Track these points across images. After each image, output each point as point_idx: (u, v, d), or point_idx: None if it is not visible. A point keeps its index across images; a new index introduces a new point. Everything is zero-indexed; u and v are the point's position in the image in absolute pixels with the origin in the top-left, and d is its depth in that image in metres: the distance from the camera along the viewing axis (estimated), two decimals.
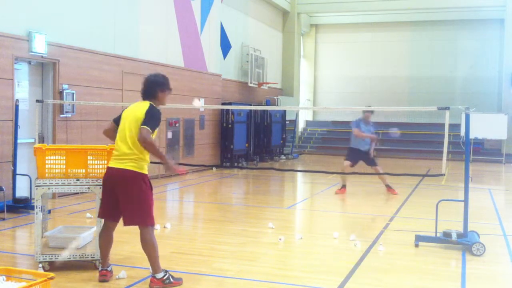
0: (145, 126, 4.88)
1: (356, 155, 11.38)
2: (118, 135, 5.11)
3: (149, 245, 5.03)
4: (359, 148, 11.35)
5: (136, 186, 5.01)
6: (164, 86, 5.22)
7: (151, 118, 4.97)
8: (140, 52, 12.37)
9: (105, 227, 5.23)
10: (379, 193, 11.53)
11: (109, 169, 5.10)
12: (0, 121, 8.77)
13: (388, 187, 11.46)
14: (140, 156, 5.03)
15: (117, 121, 5.23)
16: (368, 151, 11.39)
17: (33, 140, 8.98)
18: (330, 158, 20.71)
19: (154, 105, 5.12)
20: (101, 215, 5.22)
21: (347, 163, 11.35)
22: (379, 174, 11.39)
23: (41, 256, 5.47)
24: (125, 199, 5.01)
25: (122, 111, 5.25)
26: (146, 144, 4.86)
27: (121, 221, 5.20)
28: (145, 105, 5.09)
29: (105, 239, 5.23)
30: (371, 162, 11.54)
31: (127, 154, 5.00)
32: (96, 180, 5.52)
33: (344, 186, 11.39)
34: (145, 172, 5.09)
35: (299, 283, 5.33)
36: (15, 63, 9.01)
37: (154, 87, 5.18)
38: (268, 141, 18.64)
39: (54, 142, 9.70)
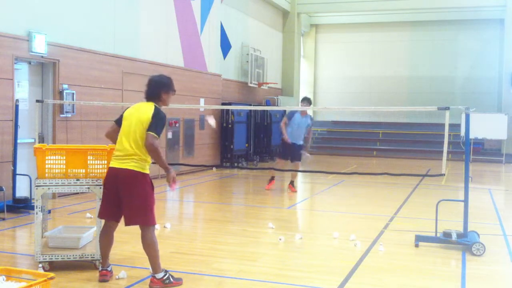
0: (151, 132, 4.93)
1: (285, 150, 11.26)
2: (121, 135, 5.09)
3: (150, 245, 5.03)
4: (291, 142, 11.07)
5: (140, 186, 5.02)
6: (169, 88, 5.22)
7: (158, 123, 5.00)
8: (140, 52, 12.37)
9: (105, 227, 5.23)
10: (379, 193, 11.53)
11: (112, 169, 5.08)
12: (0, 121, 8.77)
13: (291, 185, 11.45)
14: (142, 157, 5.03)
15: (119, 122, 5.21)
16: (299, 146, 11.11)
17: (33, 140, 8.98)
18: (330, 158, 20.72)
19: (159, 107, 5.13)
20: (101, 215, 5.21)
21: (278, 160, 11.70)
22: (296, 170, 11.38)
23: (41, 256, 5.47)
24: (128, 199, 5.01)
25: (124, 111, 5.24)
26: (151, 150, 4.94)
27: (122, 220, 5.20)
28: (150, 107, 5.09)
29: (105, 239, 5.22)
30: (296, 156, 11.22)
31: (130, 155, 5.00)
32: (96, 180, 5.52)
33: (272, 178, 11.60)
34: (147, 172, 5.10)
35: (299, 283, 5.33)
36: (15, 63, 9.01)
37: (158, 88, 5.18)
38: (268, 141, 18.64)
39: (54, 142, 9.70)
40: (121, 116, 5.21)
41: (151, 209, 5.07)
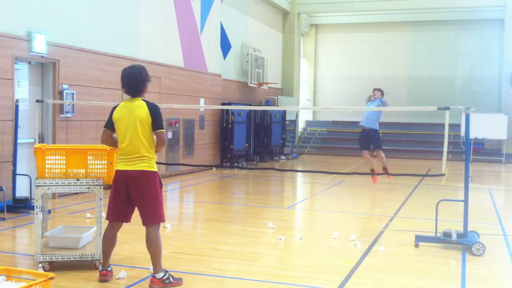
0: (160, 130, 5.11)
1: (362, 138, 11.55)
2: (122, 137, 5.07)
3: (154, 244, 5.04)
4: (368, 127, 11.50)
5: (152, 185, 5.06)
6: (147, 76, 5.21)
7: (159, 118, 5.11)
8: (140, 52, 12.37)
9: (110, 228, 5.23)
10: (379, 193, 11.53)
11: (120, 172, 5.07)
12: (0, 121, 8.77)
13: (385, 170, 11.56)
14: (150, 156, 5.07)
15: (110, 125, 5.18)
16: (375, 131, 11.46)
17: (33, 140, 8.99)
18: (330, 158, 20.73)
19: (148, 101, 5.15)
20: (110, 217, 5.19)
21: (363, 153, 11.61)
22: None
23: (41, 256, 5.47)
24: (143, 199, 5.03)
25: (111, 114, 5.18)
26: (165, 145, 5.26)
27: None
28: (142, 105, 5.09)
29: (109, 240, 5.24)
30: (375, 144, 11.50)
31: (137, 156, 5.02)
32: (96, 180, 5.52)
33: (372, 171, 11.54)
34: (156, 169, 5.14)
35: (299, 283, 5.33)
36: (15, 63, 9.01)
37: (144, 82, 5.16)
38: (268, 141, 18.64)
39: (54, 142, 9.70)
40: (110, 119, 5.17)
41: (162, 207, 5.14)
